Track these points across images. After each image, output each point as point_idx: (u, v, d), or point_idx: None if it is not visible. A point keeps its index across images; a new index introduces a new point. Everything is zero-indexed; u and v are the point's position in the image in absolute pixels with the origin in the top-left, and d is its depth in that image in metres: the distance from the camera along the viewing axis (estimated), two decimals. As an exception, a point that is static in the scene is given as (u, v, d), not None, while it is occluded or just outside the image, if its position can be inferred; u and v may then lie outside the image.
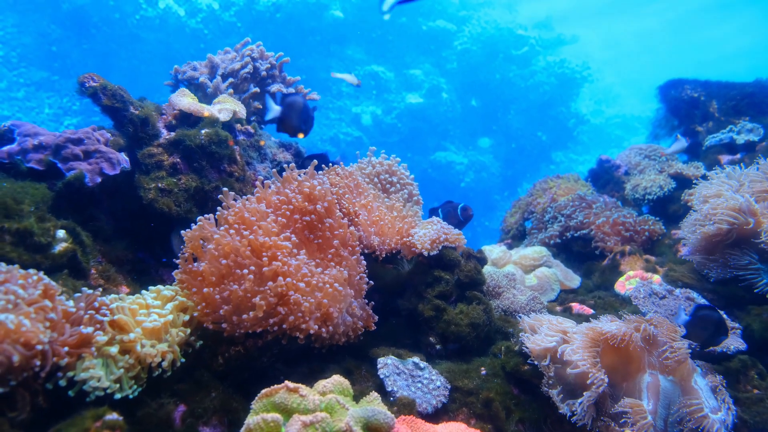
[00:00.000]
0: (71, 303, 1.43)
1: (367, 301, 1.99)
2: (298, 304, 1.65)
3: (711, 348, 2.08)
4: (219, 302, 1.68)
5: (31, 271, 1.43)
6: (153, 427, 1.44)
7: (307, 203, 1.96)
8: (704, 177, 2.81)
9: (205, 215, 1.89)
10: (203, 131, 2.33)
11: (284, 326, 1.66)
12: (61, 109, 12.03)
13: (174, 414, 1.48)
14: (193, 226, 1.85)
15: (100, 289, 1.81)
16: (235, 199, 1.94)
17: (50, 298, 1.38)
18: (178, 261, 1.83)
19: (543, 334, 1.86)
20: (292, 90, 3.08)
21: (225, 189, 1.97)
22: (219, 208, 1.91)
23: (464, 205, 2.87)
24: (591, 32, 20.78)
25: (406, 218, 2.23)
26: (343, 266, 1.90)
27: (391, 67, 14.32)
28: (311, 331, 1.66)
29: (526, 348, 1.87)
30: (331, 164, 2.34)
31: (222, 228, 1.82)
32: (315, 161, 2.16)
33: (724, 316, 2.14)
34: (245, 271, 1.68)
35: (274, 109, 2.16)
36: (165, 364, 1.51)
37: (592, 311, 2.57)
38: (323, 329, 1.70)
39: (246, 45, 3.01)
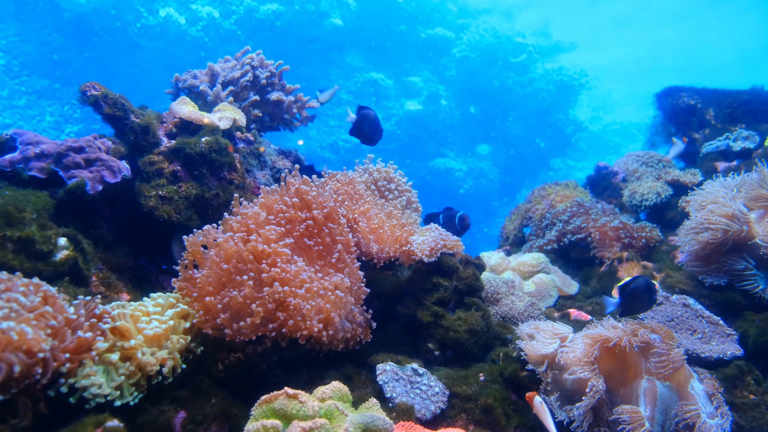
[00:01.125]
0: (72, 310, 1.45)
1: (365, 308, 2.00)
2: (298, 309, 1.66)
3: (646, 311, 2.14)
4: (219, 309, 1.69)
5: (34, 280, 1.44)
6: (153, 433, 1.45)
7: (303, 211, 1.98)
8: (699, 185, 2.83)
9: (211, 224, 1.90)
10: (203, 139, 2.36)
11: (284, 330, 1.67)
12: (62, 117, 12.08)
13: (174, 420, 1.49)
14: (195, 231, 1.87)
15: (99, 296, 1.82)
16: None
17: (51, 305, 1.40)
18: (178, 268, 1.84)
19: (541, 340, 1.87)
20: (291, 98, 3.11)
21: (236, 195, 1.99)
22: (226, 214, 1.93)
23: (462, 213, 2.89)
24: (589, 40, 20.88)
25: (405, 226, 2.25)
26: (345, 273, 1.92)
27: (390, 75, 14.40)
28: (314, 330, 1.67)
29: (524, 354, 1.88)
30: (323, 173, 2.37)
31: (227, 235, 1.83)
32: (297, 166, 2.20)
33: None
34: (245, 277, 1.69)
35: (351, 116, 2.58)
36: (165, 370, 1.52)
37: (589, 317, 2.59)
38: (324, 333, 1.71)
39: (246, 53, 3.04)
